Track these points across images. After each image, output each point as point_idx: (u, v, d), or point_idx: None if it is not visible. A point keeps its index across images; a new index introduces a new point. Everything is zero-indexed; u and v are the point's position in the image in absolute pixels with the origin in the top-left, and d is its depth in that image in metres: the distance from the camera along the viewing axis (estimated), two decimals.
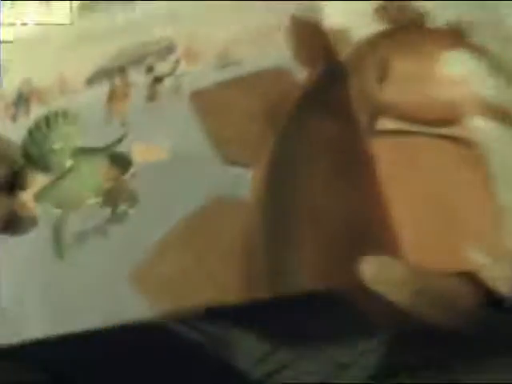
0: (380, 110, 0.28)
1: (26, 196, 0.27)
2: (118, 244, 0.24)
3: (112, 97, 0.29)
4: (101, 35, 0.32)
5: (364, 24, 0.31)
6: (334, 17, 0.31)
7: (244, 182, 0.26)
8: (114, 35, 0.32)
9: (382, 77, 0.28)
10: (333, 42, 0.30)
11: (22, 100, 0.30)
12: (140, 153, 0.27)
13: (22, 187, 0.27)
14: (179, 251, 0.24)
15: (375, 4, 0.31)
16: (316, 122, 0.28)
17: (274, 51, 0.30)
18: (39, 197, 0.27)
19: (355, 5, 0.31)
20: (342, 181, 0.26)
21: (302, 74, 0.29)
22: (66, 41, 0.32)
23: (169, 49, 0.31)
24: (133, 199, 0.25)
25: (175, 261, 0.24)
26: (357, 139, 0.27)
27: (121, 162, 0.27)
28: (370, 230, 0.24)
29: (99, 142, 0.28)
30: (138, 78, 0.30)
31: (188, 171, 0.26)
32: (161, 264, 0.24)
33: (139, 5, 0.31)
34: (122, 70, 0.30)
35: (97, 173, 0.27)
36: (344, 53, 0.30)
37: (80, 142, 0.28)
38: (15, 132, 0.29)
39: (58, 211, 0.26)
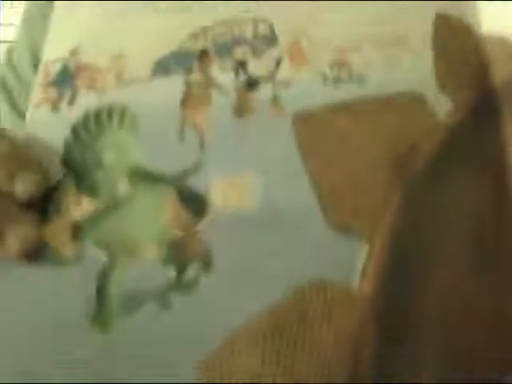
0: None
1: (63, 224, 0.21)
2: (181, 322, 0.19)
3: (187, 99, 0.22)
4: (174, 5, 0.24)
5: None
6: (495, 19, 0.24)
7: (356, 261, 0.20)
8: (194, 5, 0.24)
9: None
10: (491, 57, 0.23)
11: (67, 78, 0.24)
12: (221, 194, 0.21)
13: (59, 211, 0.22)
14: (258, 350, 0.19)
15: None
16: (454, 180, 0.21)
17: (409, 67, 0.23)
18: (81, 230, 0.21)
19: None
20: (479, 260, 0.20)
21: (445, 106, 0.22)
22: (128, 6, 0.24)
23: (268, 40, 0.23)
24: (207, 261, 0.20)
25: (251, 363, 0.19)
26: (504, 204, 0.21)
27: (194, 203, 0.20)
28: None
29: (165, 163, 0.22)
30: (224, 77, 0.23)
31: (282, 233, 0.20)
32: (233, 360, 0.19)
33: None
34: (203, 59, 0.23)
35: (160, 212, 0.21)
36: (503, 75, 0.23)
37: (139, 158, 0.22)
38: (56, 126, 0.22)
39: (103, 256, 0.21)
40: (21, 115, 0.36)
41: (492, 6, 0.23)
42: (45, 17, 0.35)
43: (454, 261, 0.19)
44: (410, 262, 0.19)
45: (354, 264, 0.19)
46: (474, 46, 0.23)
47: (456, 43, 0.23)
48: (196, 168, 0.21)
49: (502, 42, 0.23)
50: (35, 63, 0.36)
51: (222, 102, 0.22)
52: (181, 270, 0.19)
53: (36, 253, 0.20)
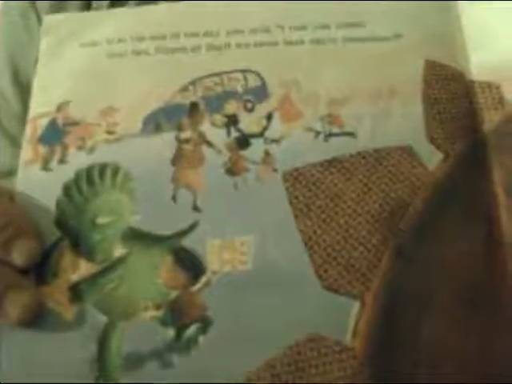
0: None
1: (60, 285, 0.23)
2: (182, 380, 0.21)
3: (179, 158, 0.24)
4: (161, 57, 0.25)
5: None
6: (482, 63, 0.25)
7: (348, 318, 0.22)
8: (184, 56, 0.25)
9: None
10: (479, 103, 0.25)
11: (56, 134, 0.25)
12: (216, 254, 0.22)
13: (55, 273, 0.23)
14: None
15: None
16: (444, 234, 0.23)
17: (399, 120, 0.24)
18: (79, 292, 0.22)
19: None
20: (470, 314, 0.22)
21: (433, 158, 0.24)
22: (119, 57, 0.25)
23: (259, 92, 0.25)
24: (204, 321, 0.21)
25: None
26: (494, 257, 0.23)
27: (190, 265, 0.22)
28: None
29: (159, 224, 0.23)
30: (215, 133, 0.24)
31: (276, 292, 0.22)
32: None
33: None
34: (193, 114, 0.25)
35: (156, 273, 0.22)
36: (491, 122, 0.25)
37: (134, 221, 0.23)
38: (48, 187, 0.24)
39: (103, 318, 0.22)
40: (12, 140, 0.36)
41: (481, 51, 0.25)
42: (26, 22, 0.36)
43: (443, 311, 0.22)
44: (400, 316, 0.22)
45: (347, 321, 0.21)
46: (463, 94, 0.25)
47: (445, 92, 0.25)
48: (191, 229, 0.22)
49: (489, 88, 0.25)
50: (15, 77, 0.36)
51: (214, 161, 0.24)
52: (180, 331, 0.21)
53: (36, 317, 0.21)
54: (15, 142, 0.39)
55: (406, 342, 0.22)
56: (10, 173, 0.35)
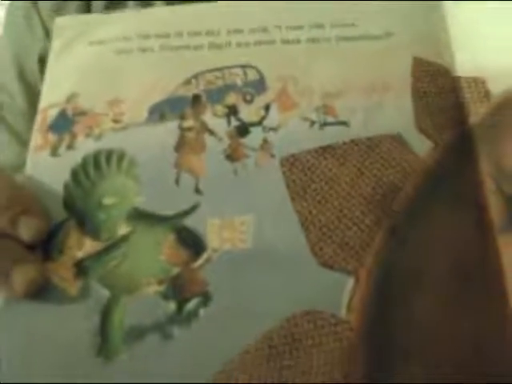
0: None
1: (65, 261, 0.23)
2: (182, 352, 0.22)
3: (182, 144, 0.25)
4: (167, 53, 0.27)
5: (509, 70, 0.26)
6: (468, 60, 0.27)
7: (342, 293, 0.22)
8: (187, 53, 0.27)
9: None
10: (465, 97, 0.26)
11: (65, 123, 0.26)
12: (217, 233, 0.23)
13: (61, 250, 0.23)
14: (254, 375, 0.21)
15: None
16: (435, 217, 0.24)
17: (390, 112, 0.26)
18: (83, 268, 0.23)
19: (497, 42, 0.27)
20: (463, 292, 0.23)
21: (423, 147, 0.25)
22: (126, 51, 0.27)
23: (257, 85, 0.26)
24: (205, 296, 0.22)
25: None
26: (484, 239, 0.24)
27: (191, 243, 0.23)
28: (504, 357, 0.21)
29: (162, 206, 0.24)
30: (216, 122, 0.26)
31: (274, 268, 0.23)
32: None
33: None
34: (196, 105, 0.26)
35: (159, 250, 0.23)
36: (477, 114, 0.26)
37: (138, 202, 0.24)
38: (56, 171, 0.25)
39: (106, 293, 0.23)
40: (17, 137, 0.37)
41: (466, 50, 0.26)
42: (29, 22, 0.37)
43: (436, 287, 0.23)
44: (394, 291, 0.22)
45: (341, 296, 0.22)
46: (450, 88, 0.26)
47: (433, 86, 0.26)
48: (193, 209, 0.23)
49: (474, 83, 0.26)
50: (20, 74, 0.38)
51: (215, 148, 0.25)
52: (181, 304, 0.22)
53: (41, 291, 0.22)
54: (21, 139, 0.40)
55: (400, 317, 0.23)
56: (16, 169, 0.36)
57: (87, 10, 0.37)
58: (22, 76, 0.39)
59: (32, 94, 0.39)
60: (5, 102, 0.41)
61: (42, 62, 0.38)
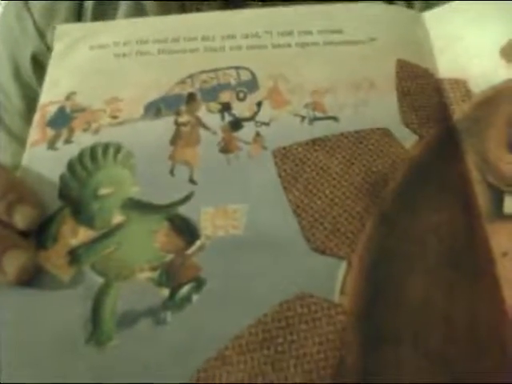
0: (508, 186, 0.25)
1: (59, 249, 0.23)
2: (175, 336, 0.21)
3: (177, 138, 0.26)
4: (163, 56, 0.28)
5: (488, 71, 0.28)
6: (449, 64, 0.28)
7: (335, 277, 0.23)
8: (183, 56, 0.28)
9: None
10: (448, 97, 0.27)
11: (63, 119, 0.26)
12: (210, 221, 0.23)
13: (55, 239, 0.23)
14: (248, 359, 0.21)
15: (504, 43, 0.28)
16: (424, 204, 0.25)
17: (376, 107, 0.27)
18: (77, 256, 0.23)
19: (476, 47, 0.28)
20: (454, 276, 0.23)
21: (409, 140, 0.26)
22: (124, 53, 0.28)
23: (250, 84, 0.27)
24: (198, 281, 0.22)
25: (242, 370, 0.21)
26: (472, 225, 0.24)
27: (185, 231, 0.23)
28: (493, 338, 0.21)
29: (157, 196, 0.24)
30: (210, 118, 0.26)
31: (267, 254, 0.23)
32: (225, 369, 0.21)
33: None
34: (191, 103, 0.27)
35: (153, 238, 0.23)
36: (460, 112, 0.27)
37: (133, 192, 0.24)
38: (53, 164, 0.25)
39: (99, 279, 0.22)
40: (14, 136, 0.37)
41: (446, 56, 0.28)
42: (21, 21, 0.38)
43: (428, 273, 0.23)
44: (385, 275, 0.22)
45: (334, 280, 0.22)
46: (433, 89, 0.27)
47: (417, 86, 0.27)
48: (187, 198, 0.23)
49: (456, 84, 0.27)
50: (15, 74, 0.38)
51: (209, 141, 0.25)
52: (174, 290, 0.21)
53: (33, 278, 0.22)
54: (17, 139, 0.40)
55: (392, 300, 0.23)
56: (13, 169, 0.36)
57: (78, 9, 0.38)
58: (17, 75, 0.40)
59: (27, 93, 0.39)
60: (1, 101, 0.41)
61: (35, 61, 0.39)
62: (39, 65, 0.39)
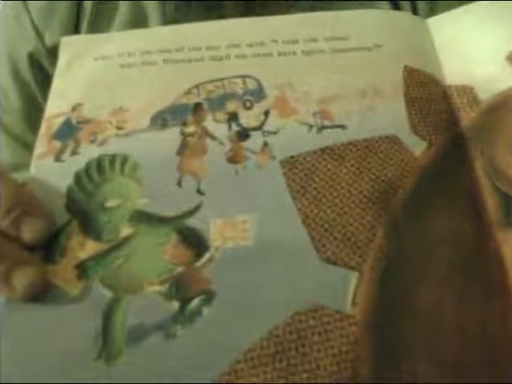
0: None
1: (67, 263, 0.23)
2: (186, 350, 0.21)
3: (184, 149, 0.25)
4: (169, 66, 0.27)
5: (495, 78, 0.27)
6: (456, 70, 0.27)
7: (346, 288, 0.22)
8: (189, 65, 0.28)
9: None
10: (455, 103, 0.27)
11: (70, 131, 0.26)
12: (219, 232, 0.23)
13: (63, 253, 0.23)
14: (261, 372, 0.20)
15: (510, 49, 0.27)
16: (434, 212, 0.24)
17: (384, 115, 0.26)
18: (85, 269, 0.22)
19: (482, 53, 0.27)
20: (465, 284, 0.22)
21: (418, 147, 0.26)
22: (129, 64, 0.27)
23: (256, 93, 0.27)
24: (208, 294, 0.21)
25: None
26: (483, 232, 0.23)
27: (194, 242, 0.22)
28: (506, 346, 0.21)
29: (165, 207, 0.24)
30: (217, 127, 0.26)
31: (277, 265, 0.22)
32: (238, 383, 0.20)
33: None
34: (197, 113, 0.26)
35: (162, 250, 0.23)
36: (468, 118, 0.27)
37: (141, 204, 0.24)
38: (60, 176, 0.25)
39: (108, 293, 0.22)
40: (13, 136, 0.36)
41: (452, 63, 0.27)
42: (19, 21, 0.37)
43: (440, 281, 0.22)
44: (397, 286, 0.22)
45: (346, 291, 0.21)
46: (440, 95, 0.27)
47: (424, 93, 0.27)
48: (195, 210, 0.23)
49: (463, 90, 0.27)
50: (13, 73, 0.37)
51: (216, 151, 0.25)
52: (184, 304, 0.21)
53: (42, 293, 0.21)
54: (16, 138, 0.39)
55: (404, 310, 0.22)
56: (13, 168, 0.35)
57: (77, 9, 0.37)
58: (15, 75, 0.39)
59: (25, 93, 0.39)
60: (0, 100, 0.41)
61: (32, 60, 0.38)
62: (36, 64, 0.38)
